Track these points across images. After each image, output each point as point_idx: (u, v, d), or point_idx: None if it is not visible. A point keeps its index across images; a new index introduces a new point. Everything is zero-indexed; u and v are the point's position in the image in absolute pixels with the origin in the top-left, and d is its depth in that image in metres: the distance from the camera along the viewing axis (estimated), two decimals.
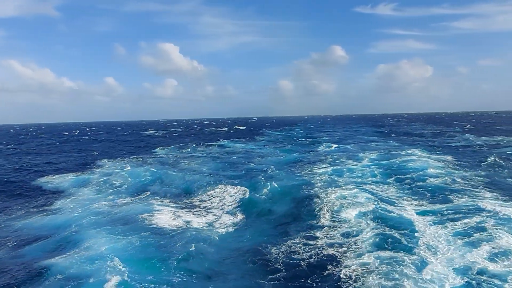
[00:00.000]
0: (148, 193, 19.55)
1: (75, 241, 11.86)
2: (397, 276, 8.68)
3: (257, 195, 17.54)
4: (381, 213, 13.58)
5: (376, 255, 9.99)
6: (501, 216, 12.26)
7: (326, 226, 12.74)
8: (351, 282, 8.72)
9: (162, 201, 17.55)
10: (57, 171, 27.35)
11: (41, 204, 18.15)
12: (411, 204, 15.07)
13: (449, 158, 26.47)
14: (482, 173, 20.69)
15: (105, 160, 31.71)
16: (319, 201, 15.28)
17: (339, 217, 13.56)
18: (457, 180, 18.91)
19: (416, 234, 11.36)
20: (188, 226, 13.53)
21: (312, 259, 10.23)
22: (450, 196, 15.65)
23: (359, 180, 20.00)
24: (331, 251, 10.64)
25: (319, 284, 8.98)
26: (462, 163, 24.23)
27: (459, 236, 11.00)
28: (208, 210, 15.89)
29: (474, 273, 8.80)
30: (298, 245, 11.25)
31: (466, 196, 15.46)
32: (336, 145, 38.73)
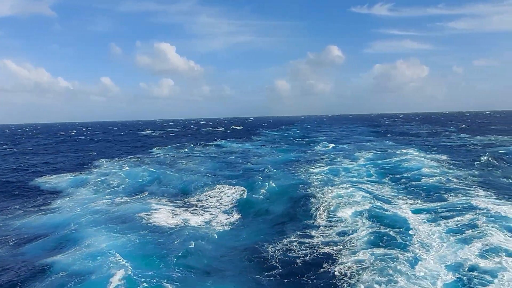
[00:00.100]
0: (146, 193, 19.69)
1: (75, 239, 12.02)
2: (391, 272, 8.89)
3: (255, 195, 17.75)
4: (377, 212, 13.79)
5: (371, 252, 10.19)
6: (493, 214, 12.51)
7: (322, 225, 12.93)
8: (346, 279, 8.91)
9: (160, 201, 17.71)
10: (54, 171, 27.40)
11: (40, 204, 18.25)
12: (406, 202, 15.32)
13: (444, 157, 26.80)
14: (476, 172, 21.03)
15: (102, 160, 31.78)
16: (316, 201, 15.50)
17: (335, 216, 13.76)
18: (451, 179, 19.22)
19: (410, 232, 11.59)
20: (186, 224, 13.71)
21: (308, 257, 10.41)
22: (444, 195, 15.92)
23: (355, 179, 20.24)
24: (326, 249, 10.83)
25: (315, 280, 9.18)
26: (456, 162, 24.56)
27: (452, 234, 11.23)
28: (206, 210, 16.06)
29: (466, 269, 9.01)
30: (294, 244, 11.45)
31: (460, 195, 15.73)
32: (333, 145, 39.01)
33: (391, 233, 11.66)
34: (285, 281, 9.31)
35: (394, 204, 14.95)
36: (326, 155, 30.49)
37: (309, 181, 19.37)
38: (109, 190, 20.57)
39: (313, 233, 12.28)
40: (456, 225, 11.96)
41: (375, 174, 21.57)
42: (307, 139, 50.61)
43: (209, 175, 22.94)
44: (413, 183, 18.74)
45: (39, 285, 8.96)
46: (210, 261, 10.60)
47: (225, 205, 16.55)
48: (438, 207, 14.13)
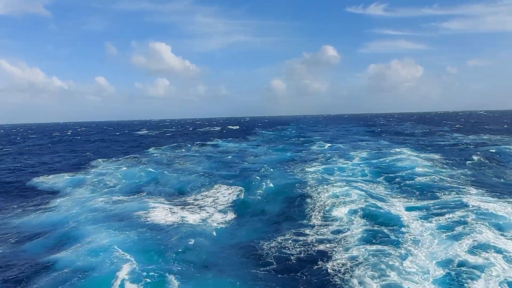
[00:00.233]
0: (144, 193, 19.85)
1: (76, 237, 12.26)
2: (383, 267, 9.21)
3: (251, 194, 18.01)
4: (371, 210, 14.08)
5: (364, 248, 10.49)
6: (483, 212, 12.85)
7: (317, 224, 13.20)
8: (340, 275, 9.20)
9: (157, 200, 17.92)
10: (51, 172, 27.46)
11: (38, 203, 18.39)
12: (400, 201, 15.62)
13: (437, 156, 27.23)
14: (468, 171, 21.44)
15: (99, 160, 31.86)
16: (311, 200, 15.78)
17: (330, 214, 14.03)
18: (444, 177, 19.60)
19: (403, 229, 11.91)
20: (183, 222, 13.98)
21: (302, 254, 10.70)
22: (436, 193, 16.27)
23: (350, 178, 20.56)
24: (321, 246, 11.10)
25: (309, 276, 9.47)
26: (449, 161, 24.98)
27: (443, 230, 11.55)
28: (203, 209, 16.29)
29: (455, 265, 9.32)
30: (289, 241, 11.71)
31: (453, 193, 16.03)
32: (329, 144, 39.33)
33: (385, 230, 11.97)
34: (279, 276, 9.61)
35: (388, 203, 15.26)
36: (322, 155, 30.83)
37: (304, 180, 19.65)
38: (106, 190, 20.73)
39: (307, 231, 12.55)
40: (447, 222, 12.30)
41: (370, 173, 21.90)
42: (302, 139, 50.93)
43: (206, 175, 23.17)
44: (407, 182, 19.07)
45: (44, 281, 9.18)
46: (208, 256, 10.88)
47: (222, 204, 16.79)
48: (431, 205, 14.47)
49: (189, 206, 16.58)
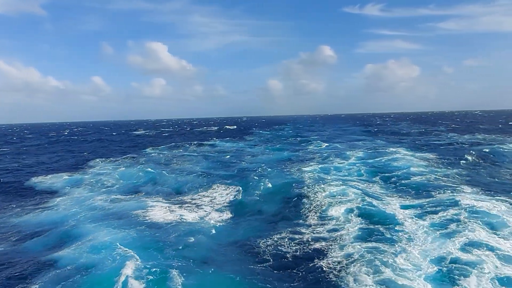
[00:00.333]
0: (142, 193, 20.00)
1: (76, 235, 12.45)
2: (378, 263, 9.45)
3: (249, 193, 18.23)
4: (366, 209, 14.30)
5: (360, 246, 10.72)
6: (476, 210, 13.11)
7: (313, 223, 13.44)
8: (335, 272, 9.44)
9: (156, 199, 18.10)
10: (49, 172, 27.51)
11: (36, 203, 18.50)
12: (395, 199, 15.87)
13: (432, 156, 27.56)
14: (462, 170, 21.80)
15: (97, 160, 31.94)
16: (308, 199, 16.00)
17: (326, 213, 14.25)
18: (439, 177, 19.90)
19: (398, 227, 12.15)
20: (182, 220, 14.20)
21: (298, 252, 10.93)
22: (431, 192, 16.55)
23: (346, 178, 20.82)
24: (317, 244, 11.34)
25: (305, 272, 9.70)
26: (444, 160, 25.32)
27: (437, 228, 11.82)
28: (201, 208, 16.46)
29: (448, 262, 9.58)
30: (286, 240, 11.94)
31: (447, 192, 16.30)
32: (326, 144, 39.63)
33: (380, 228, 12.20)
34: (275, 272, 9.85)
35: (383, 201, 15.50)
36: (319, 154, 31.09)
37: (301, 179, 19.87)
38: (105, 190, 20.84)
39: (304, 230, 12.78)
40: (441, 220, 12.56)
41: (366, 172, 22.15)
42: (300, 139, 51.20)
43: (204, 174, 23.34)
44: (403, 181, 19.33)
45: (47, 278, 9.32)
46: (208, 253, 11.11)
47: (220, 204, 16.99)
48: (425, 204, 14.74)
49: (187, 205, 16.77)
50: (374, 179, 20.52)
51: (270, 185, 19.23)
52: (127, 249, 10.56)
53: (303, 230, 12.73)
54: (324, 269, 9.68)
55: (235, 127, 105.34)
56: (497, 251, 9.91)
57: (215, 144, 46.90)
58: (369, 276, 8.91)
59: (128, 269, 9.15)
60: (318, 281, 9.19)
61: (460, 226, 11.84)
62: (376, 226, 12.49)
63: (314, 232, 12.53)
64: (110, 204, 16.95)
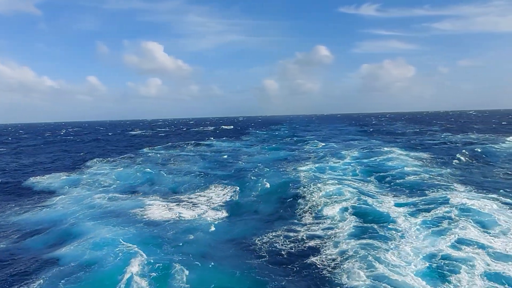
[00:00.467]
0: (140, 192, 20.19)
1: (76, 233, 12.67)
2: (371, 259, 9.75)
3: (246, 193, 18.50)
4: (361, 208, 14.54)
5: (354, 243, 10.99)
6: (467, 208, 13.42)
7: (309, 221, 13.68)
8: (329, 269, 9.72)
9: (154, 198, 18.30)
10: (46, 172, 27.57)
11: (35, 202, 18.63)
12: (389, 198, 16.15)
13: (426, 155, 27.97)
14: (454, 169, 22.20)
15: (94, 160, 32.01)
16: (303, 199, 16.27)
17: (321, 212, 14.50)
18: (432, 176, 20.25)
19: (391, 225, 12.43)
20: (180, 218, 14.47)
21: (293, 250, 11.20)
22: (424, 191, 16.87)
23: (342, 177, 21.11)
24: (312, 242, 11.63)
25: (299, 268, 9.97)
26: (438, 160, 25.73)
27: (429, 226, 12.12)
28: (199, 207, 16.71)
29: (438, 259, 9.87)
30: (281, 237, 12.21)
31: (441, 190, 16.62)
32: (322, 144, 39.97)
33: (374, 226, 12.46)
34: (270, 266, 10.15)
35: (378, 200, 15.78)
36: (314, 154, 31.42)
37: (297, 179, 20.13)
38: (102, 189, 21.00)
39: (298, 228, 13.05)
40: (433, 218, 12.86)
41: (361, 172, 22.46)
42: (296, 138, 51.53)
43: (202, 174, 23.57)
44: (397, 180, 19.63)
45: (51, 274, 9.51)
46: (207, 249, 11.42)
47: (217, 203, 17.23)
48: (418, 202, 15.04)
49: (185, 204, 17.01)
50: (369, 178, 20.84)
51: (266, 185, 19.50)
52: (130, 244, 10.83)
53: (298, 229, 13.00)
54: (318, 265, 9.97)
55: (232, 127, 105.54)
56: (488, 249, 10.17)
57: (212, 144, 47.09)
58: (362, 271, 9.21)
59: (132, 265, 9.39)
60: (313, 276, 9.47)
61: (451, 224, 12.12)
62: (371, 224, 12.76)
63: (309, 230, 12.80)
64: (108, 202, 17.16)
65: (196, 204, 17.11)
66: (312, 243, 11.54)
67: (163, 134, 78.07)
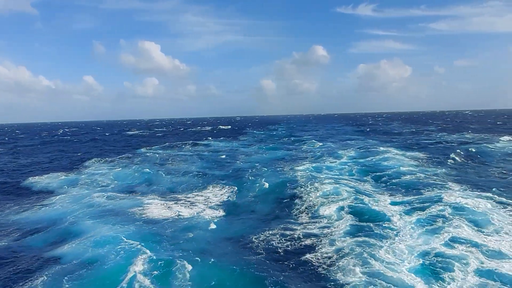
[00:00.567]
0: (138, 192, 20.32)
1: (77, 231, 12.86)
2: (366, 256, 9.98)
3: (243, 192, 18.70)
4: (358, 207, 14.77)
5: (350, 241, 11.23)
6: (462, 207, 13.69)
7: (305, 220, 13.95)
8: (325, 266, 9.94)
9: (152, 198, 18.43)
10: (45, 172, 27.63)
11: (33, 201, 18.74)
12: (385, 197, 16.38)
13: (422, 155, 28.26)
14: (449, 168, 22.49)
15: (92, 160, 32.04)
16: (300, 198, 16.47)
17: (317, 211, 14.73)
18: (427, 175, 20.50)
19: (387, 223, 12.65)
20: (179, 217, 14.68)
21: (290, 248, 11.44)
22: (419, 190, 17.13)
23: (339, 176, 21.33)
24: (308, 240, 11.86)
25: (296, 264, 10.20)
26: (433, 159, 26.00)
27: (423, 224, 12.36)
28: (197, 206, 16.88)
29: (432, 256, 10.09)
30: (277, 235, 12.45)
31: (436, 189, 16.91)
32: (319, 144, 40.21)
33: (370, 225, 12.70)
34: (267, 262, 10.37)
35: (374, 199, 15.97)
36: (311, 153, 31.64)
37: (295, 179, 20.33)
38: (101, 189, 21.12)
39: (295, 227, 13.26)
40: (428, 217, 13.10)
41: (357, 172, 22.69)
42: (293, 138, 51.78)
43: (200, 174, 23.72)
44: (393, 180, 19.87)
45: (53, 272, 9.67)
46: (206, 246, 11.66)
47: (215, 202, 17.40)
48: (413, 201, 15.27)
49: (183, 203, 17.18)
50: (365, 178, 21.07)
51: (264, 184, 19.69)
52: (132, 242, 11.02)
53: (295, 227, 13.21)
54: (314, 262, 10.21)
55: (229, 127, 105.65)
56: (482, 247, 10.39)
57: (209, 144, 47.20)
58: (357, 268, 9.43)
59: (135, 262, 9.58)
60: (309, 272, 9.71)
61: (446, 222, 12.35)
62: (366, 223, 12.98)
63: (306, 228, 13.01)
64: (107, 201, 17.31)
65: (194, 203, 17.28)
66: (308, 241, 11.75)
67: (160, 134, 78.07)
